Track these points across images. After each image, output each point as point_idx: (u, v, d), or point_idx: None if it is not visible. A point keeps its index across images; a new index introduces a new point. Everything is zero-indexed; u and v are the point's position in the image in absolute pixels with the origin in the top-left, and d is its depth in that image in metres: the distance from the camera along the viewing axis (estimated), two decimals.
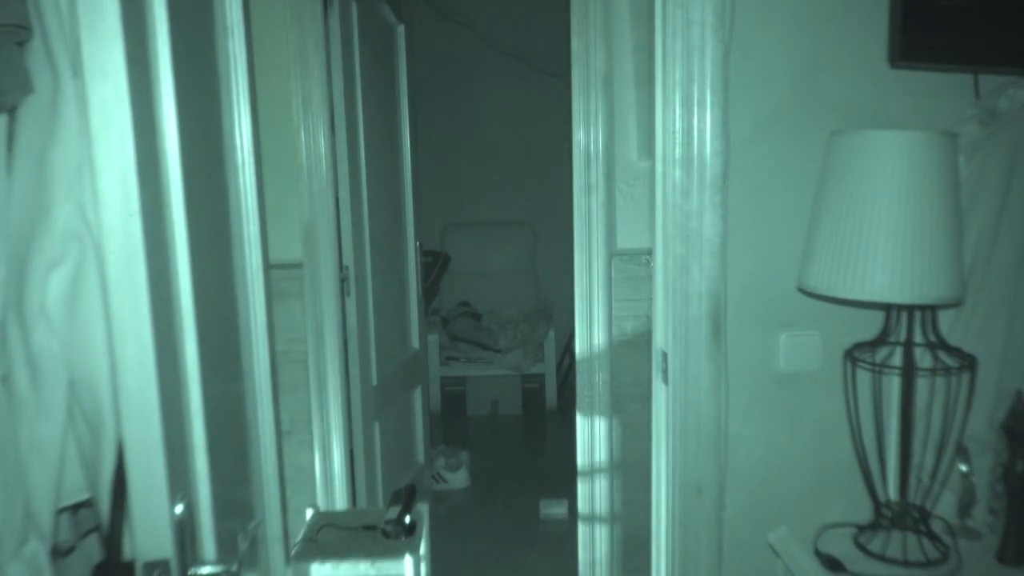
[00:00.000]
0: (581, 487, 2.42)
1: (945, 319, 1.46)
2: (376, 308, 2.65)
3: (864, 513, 1.48)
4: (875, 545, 1.42)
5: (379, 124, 2.78)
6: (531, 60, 4.94)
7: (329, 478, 2.36)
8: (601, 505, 2.36)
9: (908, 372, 1.38)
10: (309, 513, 1.93)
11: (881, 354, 1.40)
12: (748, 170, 1.51)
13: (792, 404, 1.58)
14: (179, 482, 0.88)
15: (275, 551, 1.44)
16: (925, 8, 1.45)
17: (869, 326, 1.46)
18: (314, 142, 2.26)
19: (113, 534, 0.93)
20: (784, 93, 1.51)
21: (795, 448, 1.59)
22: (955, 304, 1.42)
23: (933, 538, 1.41)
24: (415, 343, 3.18)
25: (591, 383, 2.32)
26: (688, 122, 1.47)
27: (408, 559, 1.85)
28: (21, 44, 0.90)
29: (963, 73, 1.52)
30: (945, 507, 1.47)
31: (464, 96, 5.17)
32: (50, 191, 0.90)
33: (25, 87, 0.90)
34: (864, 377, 1.44)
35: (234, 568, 0.94)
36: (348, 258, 2.47)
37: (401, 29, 3.06)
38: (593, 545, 2.40)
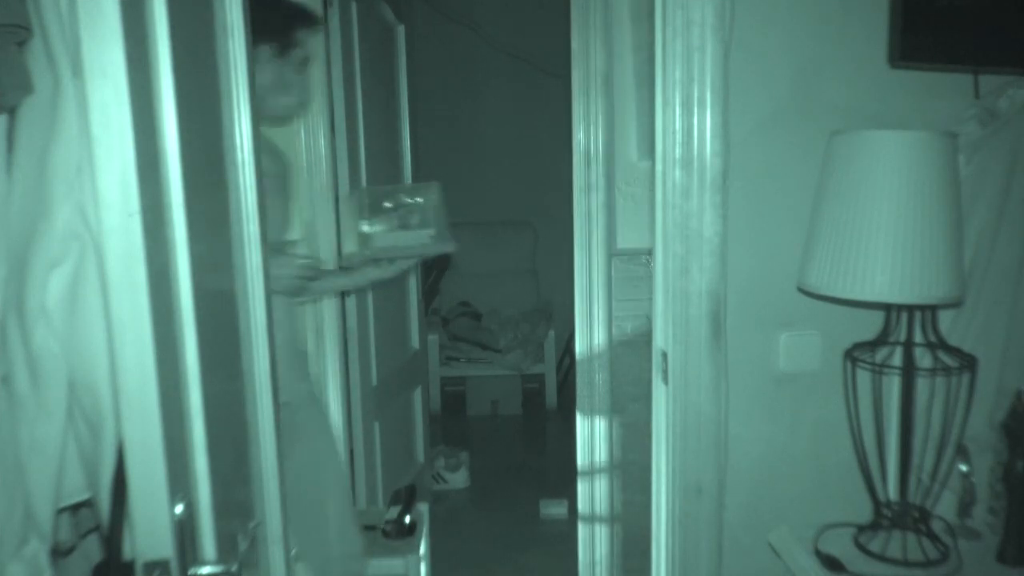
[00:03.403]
0: (581, 487, 2.42)
1: (945, 319, 1.46)
2: (376, 308, 2.65)
3: (864, 513, 1.48)
4: (875, 545, 1.42)
5: (379, 124, 2.78)
6: (531, 60, 4.94)
7: None
8: (601, 505, 2.36)
9: (908, 372, 1.38)
10: None
11: (881, 354, 1.40)
12: (748, 170, 1.51)
13: (792, 404, 1.58)
14: (179, 482, 0.88)
15: (275, 551, 1.43)
16: (925, 8, 1.45)
17: (869, 326, 1.46)
18: (314, 142, 2.26)
19: (113, 534, 0.93)
20: (784, 93, 1.51)
21: (795, 448, 1.59)
22: (955, 304, 1.42)
23: (933, 538, 1.41)
24: (415, 343, 3.18)
25: (591, 383, 2.32)
26: (688, 122, 1.46)
27: (408, 559, 1.85)
28: (21, 44, 0.90)
29: (963, 73, 1.52)
30: (945, 507, 1.47)
31: (464, 96, 5.17)
32: (50, 191, 0.90)
33: (25, 87, 0.90)
34: (864, 377, 1.44)
35: (234, 568, 0.94)
36: None
37: (401, 29, 3.06)
38: (593, 545, 2.41)
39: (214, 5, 1.21)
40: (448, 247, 1.85)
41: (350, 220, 1.83)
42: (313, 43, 1.81)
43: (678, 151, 1.48)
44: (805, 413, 1.58)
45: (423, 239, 1.83)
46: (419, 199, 1.86)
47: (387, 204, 1.85)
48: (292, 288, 1.75)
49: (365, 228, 1.82)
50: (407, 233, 1.83)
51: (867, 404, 1.45)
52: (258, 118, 1.71)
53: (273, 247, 1.69)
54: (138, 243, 0.82)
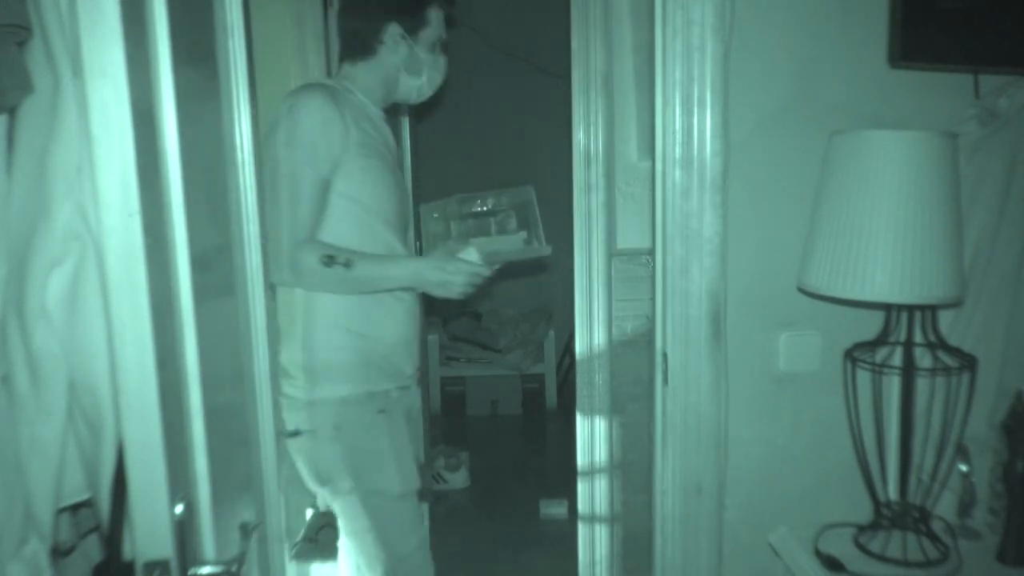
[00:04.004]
0: (581, 487, 2.42)
1: (945, 319, 1.46)
2: None
3: (864, 513, 1.48)
4: (875, 545, 1.42)
5: None
6: (531, 60, 4.94)
7: None
8: (601, 505, 2.36)
9: (908, 372, 1.38)
10: (309, 513, 1.93)
11: (881, 354, 1.40)
12: (748, 170, 1.51)
13: (792, 404, 1.58)
14: (179, 482, 0.88)
15: (275, 551, 1.44)
16: (925, 8, 1.45)
17: (869, 326, 1.46)
18: None
19: (113, 534, 0.93)
20: (784, 93, 1.51)
21: (795, 448, 1.59)
22: (955, 304, 1.42)
23: (933, 538, 1.41)
24: None
25: (591, 383, 2.32)
26: (688, 122, 1.47)
27: None
28: (21, 44, 0.90)
29: (963, 73, 1.52)
30: (945, 507, 1.47)
31: (464, 96, 5.17)
32: (50, 191, 0.90)
33: (25, 87, 0.90)
34: (864, 377, 1.44)
35: (234, 568, 0.94)
36: None
37: None
38: (593, 545, 2.40)
39: (214, 5, 1.21)
40: (543, 251, 1.77)
41: (447, 227, 1.79)
42: (443, 23, 1.75)
43: (678, 151, 1.48)
44: (805, 413, 1.58)
45: (517, 243, 1.77)
46: (514, 202, 1.82)
47: (478, 208, 1.81)
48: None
49: (461, 235, 1.77)
50: (504, 238, 1.77)
51: (867, 404, 1.45)
52: (388, 101, 1.78)
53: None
54: (138, 243, 0.82)
